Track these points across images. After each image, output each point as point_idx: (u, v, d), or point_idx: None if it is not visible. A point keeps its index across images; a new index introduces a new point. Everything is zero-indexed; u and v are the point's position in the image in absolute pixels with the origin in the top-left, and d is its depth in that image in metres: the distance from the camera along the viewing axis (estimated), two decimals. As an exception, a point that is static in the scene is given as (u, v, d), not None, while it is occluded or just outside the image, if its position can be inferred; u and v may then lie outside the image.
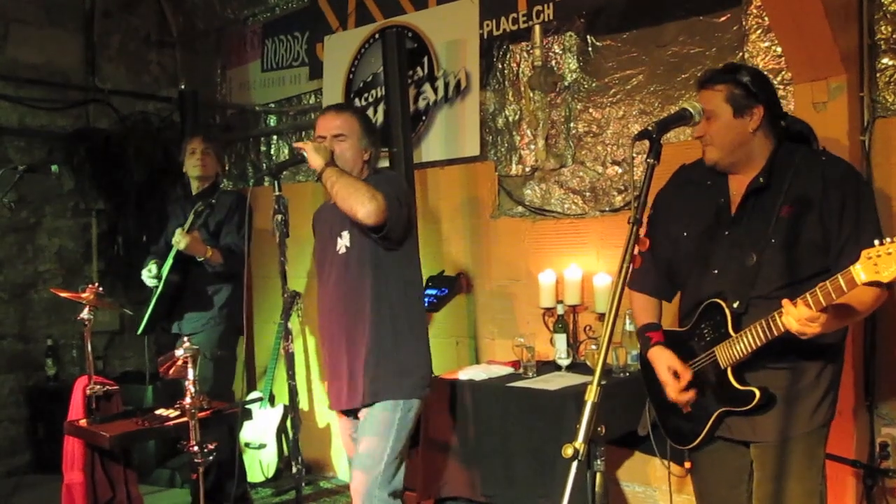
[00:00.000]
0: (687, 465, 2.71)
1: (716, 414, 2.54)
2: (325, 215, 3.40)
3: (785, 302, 2.22)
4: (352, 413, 3.31)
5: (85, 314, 3.84)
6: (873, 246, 2.01)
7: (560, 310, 4.15)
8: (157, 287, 4.52)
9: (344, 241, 3.22)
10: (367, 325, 3.17)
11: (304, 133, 5.89)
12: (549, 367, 4.02)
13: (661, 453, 2.77)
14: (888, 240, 1.97)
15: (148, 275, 4.54)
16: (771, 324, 2.31)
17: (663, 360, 2.60)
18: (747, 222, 2.52)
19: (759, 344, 2.36)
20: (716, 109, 2.49)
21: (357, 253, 3.19)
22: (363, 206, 2.97)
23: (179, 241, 4.30)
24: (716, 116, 2.50)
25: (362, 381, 3.17)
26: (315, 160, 3.08)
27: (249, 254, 3.92)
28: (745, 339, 2.40)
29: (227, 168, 6.39)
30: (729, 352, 2.45)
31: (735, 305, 2.47)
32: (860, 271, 2.03)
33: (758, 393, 2.42)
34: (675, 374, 2.56)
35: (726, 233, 2.55)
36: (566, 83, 4.40)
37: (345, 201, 3.01)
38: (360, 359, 3.18)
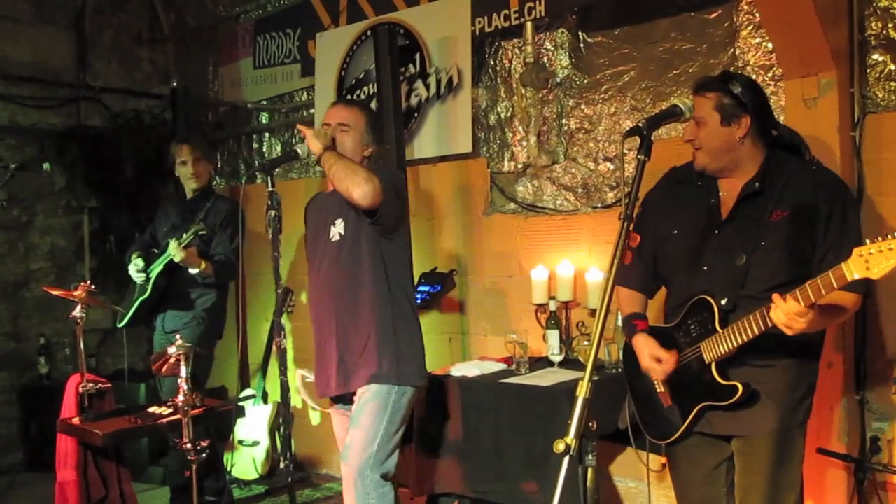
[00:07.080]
0: (662, 460, 2.73)
1: (697, 408, 2.56)
2: (317, 205, 3.41)
3: (775, 296, 2.25)
4: (342, 401, 3.30)
5: (77, 312, 3.84)
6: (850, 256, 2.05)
7: (552, 306, 4.15)
8: (144, 284, 4.53)
9: (338, 229, 3.23)
10: (364, 311, 3.18)
11: (296, 130, 5.89)
12: (541, 363, 4.02)
13: (640, 446, 2.78)
14: (879, 238, 1.99)
15: (135, 269, 4.54)
16: (759, 318, 2.34)
17: (646, 348, 2.63)
18: (738, 224, 2.56)
19: (745, 339, 2.39)
20: (705, 116, 2.55)
21: (351, 241, 3.20)
22: (359, 186, 2.99)
23: (175, 254, 4.29)
24: (704, 123, 2.55)
25: (358, 366, 3.17)
26: (314, 145, 3.11)
27: (242, 259, 3.91)
28: (731, 335, 2.43)
29: (219, 165, 6.39)
30: (715, 347, 2.48)
31: (724, 302, 2.50)
32: (851, 268, 2.05)
33: (741, 388, 2.46)
34: (658, 361, 2.58)
35: (716, 233, 2.58)
36: (558, 80, 4.40)
37: (341, 182, 3.03)
38: (356, 344, 3.17)
